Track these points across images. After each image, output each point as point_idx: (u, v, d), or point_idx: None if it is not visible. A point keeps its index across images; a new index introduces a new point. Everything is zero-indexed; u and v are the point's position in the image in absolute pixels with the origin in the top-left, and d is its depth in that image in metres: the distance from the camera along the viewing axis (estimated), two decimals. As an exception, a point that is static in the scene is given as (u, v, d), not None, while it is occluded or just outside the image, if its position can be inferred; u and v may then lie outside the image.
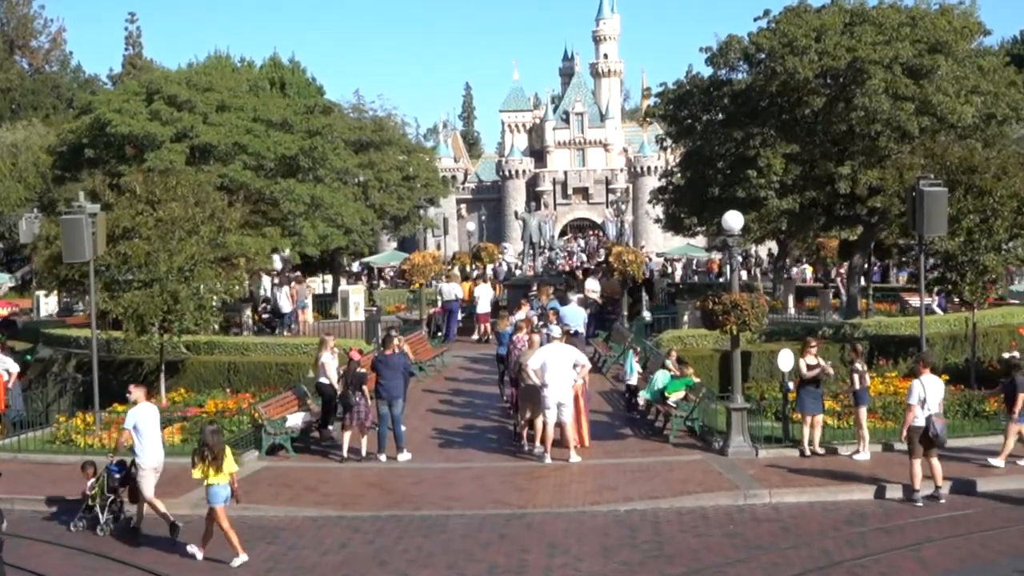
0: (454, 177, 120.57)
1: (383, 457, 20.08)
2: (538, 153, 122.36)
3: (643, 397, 22.65)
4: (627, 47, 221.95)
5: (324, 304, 46.61)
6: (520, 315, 25.26)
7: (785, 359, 19.98)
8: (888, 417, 21.33)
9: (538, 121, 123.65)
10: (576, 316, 26.84)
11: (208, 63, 65.77)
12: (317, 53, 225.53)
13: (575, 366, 19.85)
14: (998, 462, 18.08)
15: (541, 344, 20.79)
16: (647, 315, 33.14)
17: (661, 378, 21.86)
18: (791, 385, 20.34)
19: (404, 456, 20.08)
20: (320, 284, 51.08)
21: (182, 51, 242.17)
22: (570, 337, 21.88)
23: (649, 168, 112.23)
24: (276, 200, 31.39)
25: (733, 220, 20.18)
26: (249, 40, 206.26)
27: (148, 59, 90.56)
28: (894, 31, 28.74)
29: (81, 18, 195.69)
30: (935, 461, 16.59)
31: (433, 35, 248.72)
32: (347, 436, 20.21)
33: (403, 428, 20.44)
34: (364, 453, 20.19)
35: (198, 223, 24.28)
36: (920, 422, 16.48)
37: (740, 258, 66.17)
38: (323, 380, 21.77)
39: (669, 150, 41.65)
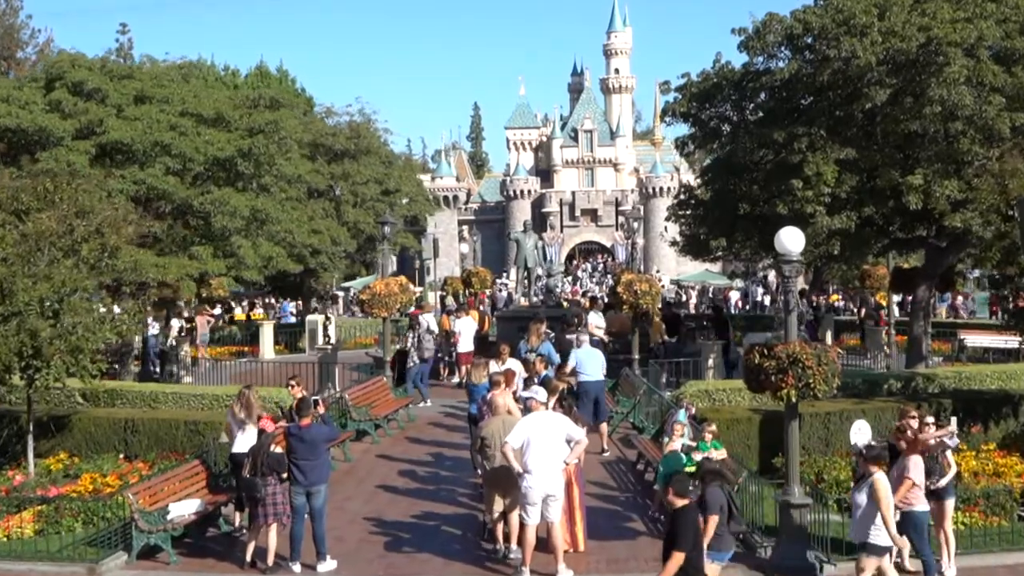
0: (455, 197, 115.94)
1: (297, 567, 14.63)
2: (545, 173, 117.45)
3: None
4: (639, 64, 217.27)
5: (293, 335, 41.64)
6: (496, 367, 19.20)
7: (860, 431, 14.47)
8: (995, 511, 15.72)
9: (545, 139, 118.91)
10: (595, 362, 20.83)
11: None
12: (322, 73, 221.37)
13: (568, 442, 14.14)
14: None
15: (524, 405, 15.05)
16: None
17: (672, 463, 16.15)
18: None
19: (326, 566, 14.66)
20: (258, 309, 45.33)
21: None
22: (563, 408, 15.86)
23: (662, 189, 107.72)
24: (208, 213, 25.59)
25: (791, 240, 14.32)
26: (250, 58, 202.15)
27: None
28: (977, 7, 22.84)
29: (71, 29, 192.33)
30: None
31: (441, 53, 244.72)
32: (254, 539, 14.84)
33: (325, 526, 14.84)
34: (271, 561, 14.57)
35: (78, 240, 18.61)
36: None
37: (760, 286, 60.53)
38: (236, 449, 16.15)
39: (686, 165, 35.71)
